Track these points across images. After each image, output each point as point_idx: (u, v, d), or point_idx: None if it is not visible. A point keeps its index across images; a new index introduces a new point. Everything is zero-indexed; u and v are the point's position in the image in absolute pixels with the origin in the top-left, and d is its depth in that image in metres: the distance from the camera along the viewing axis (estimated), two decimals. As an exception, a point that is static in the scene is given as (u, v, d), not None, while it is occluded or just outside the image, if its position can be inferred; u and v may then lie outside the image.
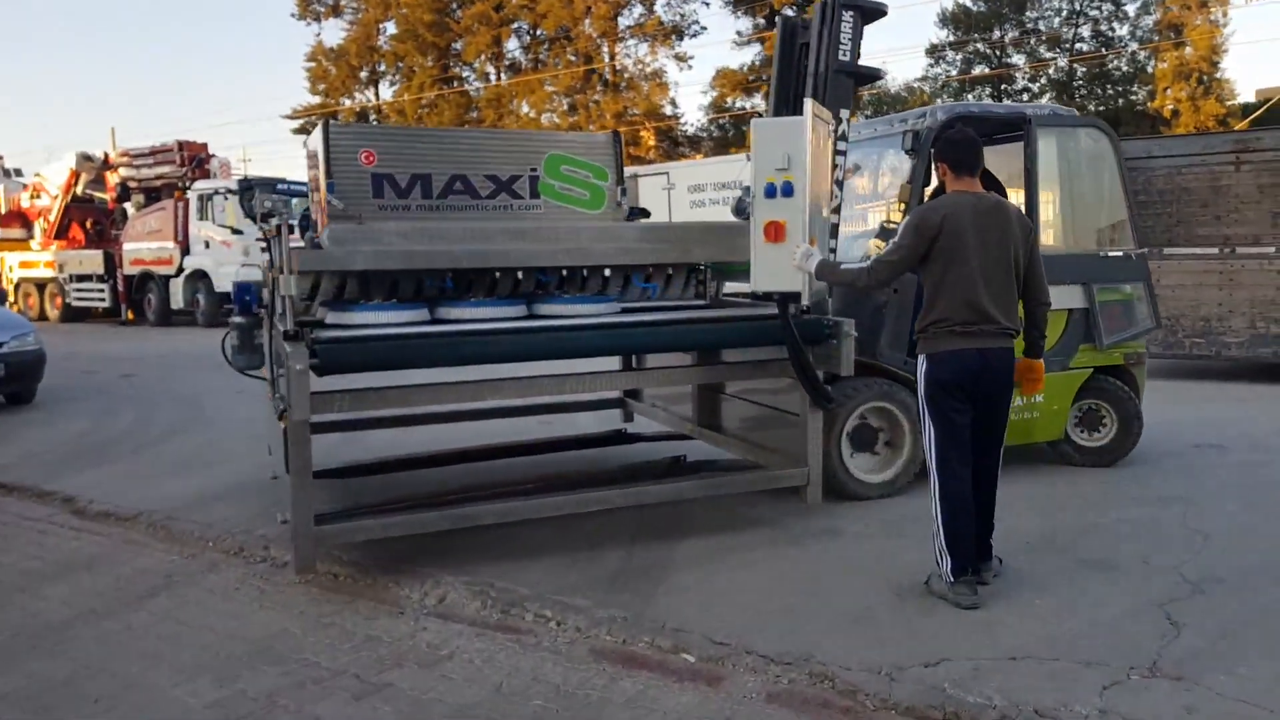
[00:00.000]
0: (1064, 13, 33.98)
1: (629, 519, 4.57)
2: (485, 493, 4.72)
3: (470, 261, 4.20)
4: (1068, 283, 5.44)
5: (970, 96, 33.54)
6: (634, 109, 35.21)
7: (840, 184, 4.86)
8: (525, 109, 36.54)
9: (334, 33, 47.89)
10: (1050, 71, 33.57)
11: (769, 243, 4.07)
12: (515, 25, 37.04)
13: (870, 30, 4.81)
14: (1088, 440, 5.78)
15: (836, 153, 4.76)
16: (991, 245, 3.61)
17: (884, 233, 5.17)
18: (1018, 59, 34.57)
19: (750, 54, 35.76)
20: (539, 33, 36.79)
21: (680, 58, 35.71)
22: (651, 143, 34.88)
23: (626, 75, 35.92)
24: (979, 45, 34.72)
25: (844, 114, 4.85)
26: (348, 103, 40.05)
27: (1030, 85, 33.89)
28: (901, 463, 5.13)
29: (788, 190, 3.99)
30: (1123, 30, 33.26)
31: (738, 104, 35.67)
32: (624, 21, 35.80)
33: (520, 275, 4.46)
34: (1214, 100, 27.90)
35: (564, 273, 4.50)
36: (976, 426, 3.73)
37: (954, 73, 35.12)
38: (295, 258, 4.00)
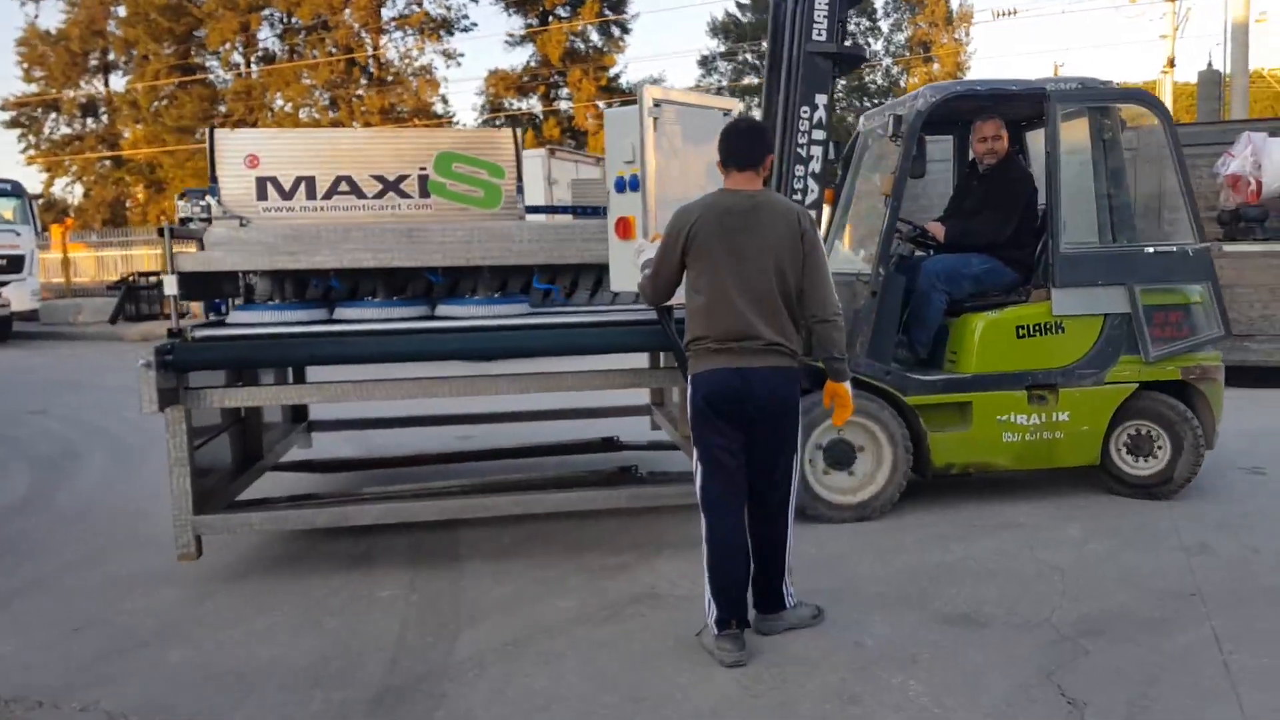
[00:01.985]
0: None
1: (405, 604, 3.99)
2: (400, 494, 4.82)
3: (347, 262, 4.24)
4: (1101, 284, 5.04)
5: (741, 106, 35.44)
6: (402, 106, 34.02)
7: (817, 177, 4.90)
8: (281, 103, 34.37)
9: (53, 15, 42.85)
10: None
11: (621, 240, 4.07)
12: (267, 12, 34.45)
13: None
14: (1134, 467, 5.20)
15: (813, 143, 4.83)
16: (747, 251, 3.26)
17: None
18: None
19: (525, 54, 35.76)
20: (294, 21, 34.48)
21: (449, 54, 35.11)
22: None
23: (393, 70, 34.75)
24: (748, 56, 36.51)
25: (819, 100, 4.78)
26: (71, 93, 36.13)
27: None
28: (878, 486, 4.94)
29: (634, 184, 3.93)
30: (878, 45, 36.09)
31: (513, 105, 35.43)
32: (387, 13, 34.51)
33: (430, 278, 4.52)
34: None
35: (463, 274, 4.58)
36: (752, 458, 3.37)
37: (725, 83, 36.74)
38: (175, 259, 4.10)
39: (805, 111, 5.04)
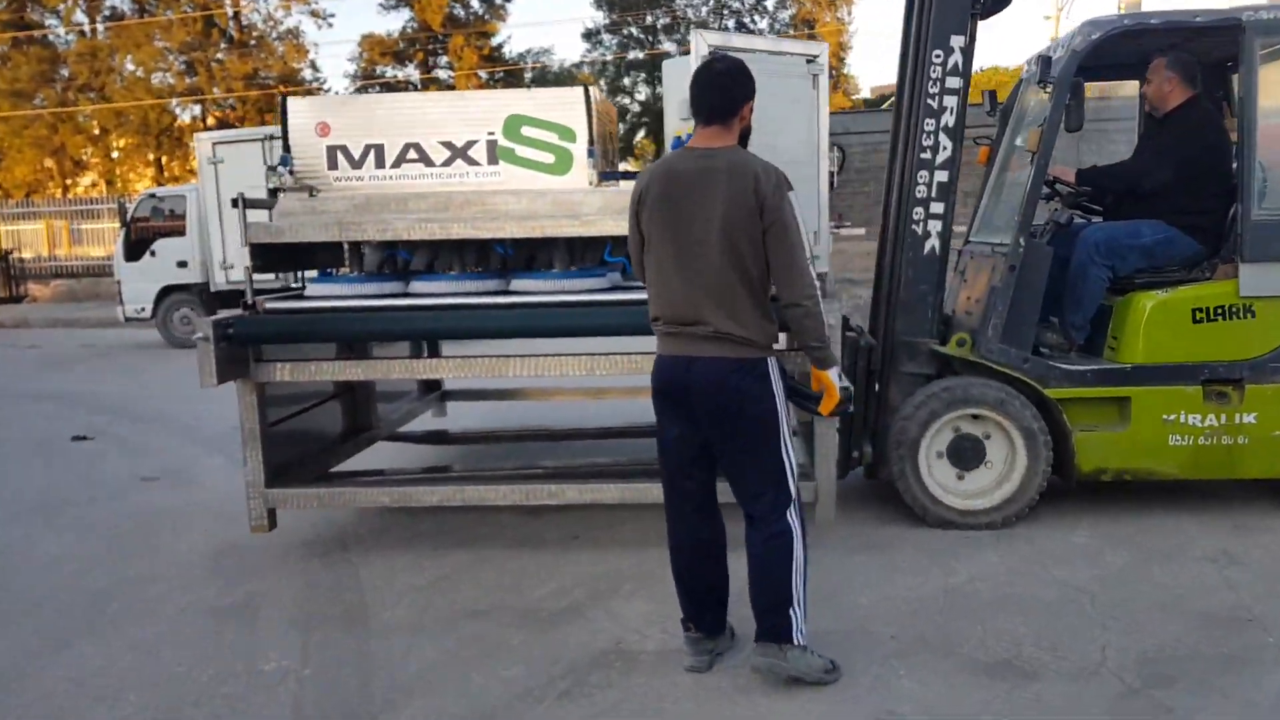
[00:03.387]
0: (710, 2, 34.28)
1: (296, 682, 3.06)
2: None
3: (415, 234, 4.10)
4: None
5: (627, 80, 34.00)
6: (267, 72, 30.95)
7: (950, 131, 4.35)
8: (131, 67, 30.43)
9: None
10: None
11: None
12: (113, -34, 30.00)
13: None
14: None
15: (946, 92, 4.28)
16: (692, 222, 2.78)
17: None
18: (669, 45, 34.27)
19: (401, 19, 32.94)
20: (144, -23, 30.35)
21: (317, 15, 31.83)
22: None
23: (256, 32, 31.39)
24: (633, 30, 34.41)
25: (955, 42, 4.23)
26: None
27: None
28: (1012, 488, 4.33)
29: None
30: (763, 23, 34.06)
31: (389, 72, 33.13)
32: (249, -31, 30.61)
33: (498, 250, 4.34)
34: (841, 94, 28.56)
35: (538, 246, 4.36)
36: (721, 463, 2.98)
37: (610, 57, 34.29)
38: (248, 229, 4.12)
39: (938, 55, 4.41)
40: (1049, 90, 4.40)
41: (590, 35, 34.55)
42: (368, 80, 32.63)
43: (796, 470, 2.97)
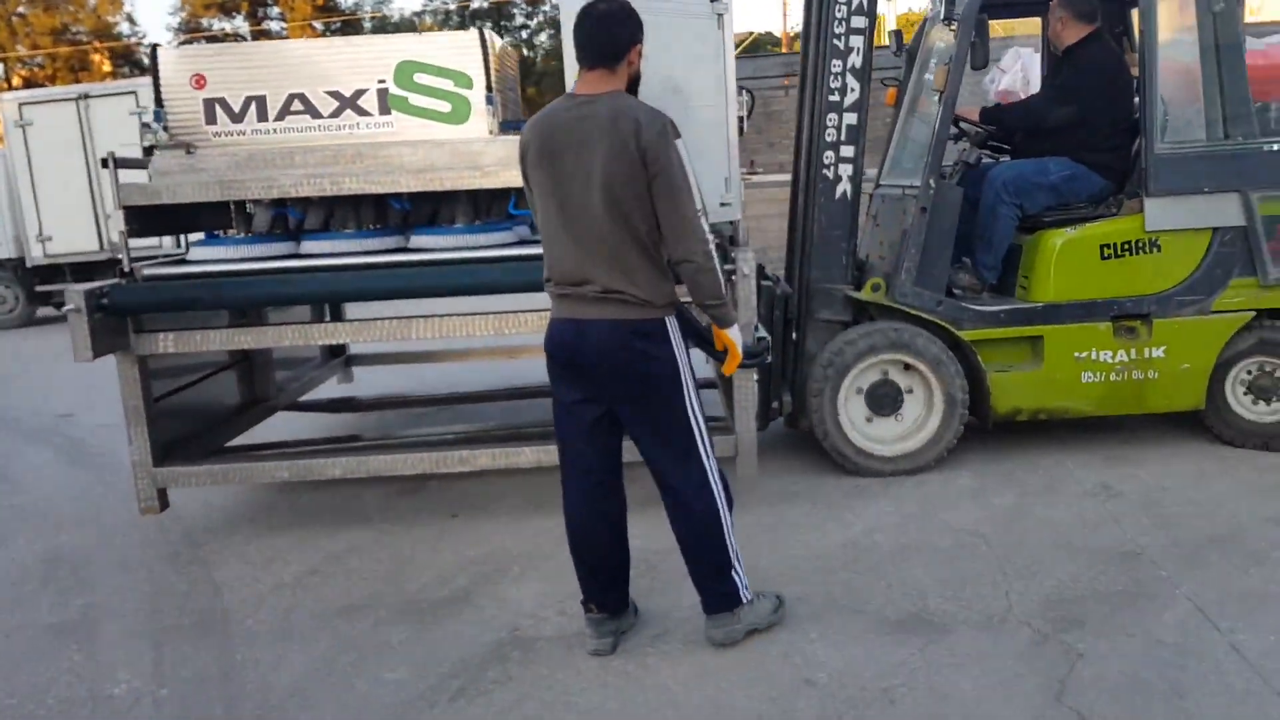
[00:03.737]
0: None
1: (151, 705, 2.79)
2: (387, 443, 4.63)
3: (299, 190, 3.84)
4: (1208, 191, 4.18)
5: (472, 28, 33.53)
6: (77, 27, 29.10)
7: (857, 72, 4.27)
8: None
9: None
10: (546, 8, 32.31)
11: None
12: None
13: None
14: (1253, 413, 4.40)
15: (852, 32, 4.21)
16: (574, 176, 2.58)
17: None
18: None
19: None
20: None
21: None
22: (107, 68, 28.47)
23: None
24: None
25: None
26: None
27: (528, 22, 32.88)
28: (929, 433, 4.31)
29: None
30: None
31: (215, 25, 31.35)
32: (54, -89, 28.43)
33: (394, 205, 4.10)
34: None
35: (440, 200, 4.13)
36: (628, 428, 2.82)
37: (453, 6, 32.99)
38: (121, 191, 3.83)
39: (843, -6, 4.28)
40: (954, 28, 4.34)
41: None
42: (191, 34, 30.56)
43: (707, 430, 2.82)
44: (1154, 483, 4.11)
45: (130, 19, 32.09)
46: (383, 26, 31.19)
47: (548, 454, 3.94)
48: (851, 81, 4.38)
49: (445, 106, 3.97)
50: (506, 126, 4.03)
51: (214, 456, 4.36)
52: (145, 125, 3.97)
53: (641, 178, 2.55)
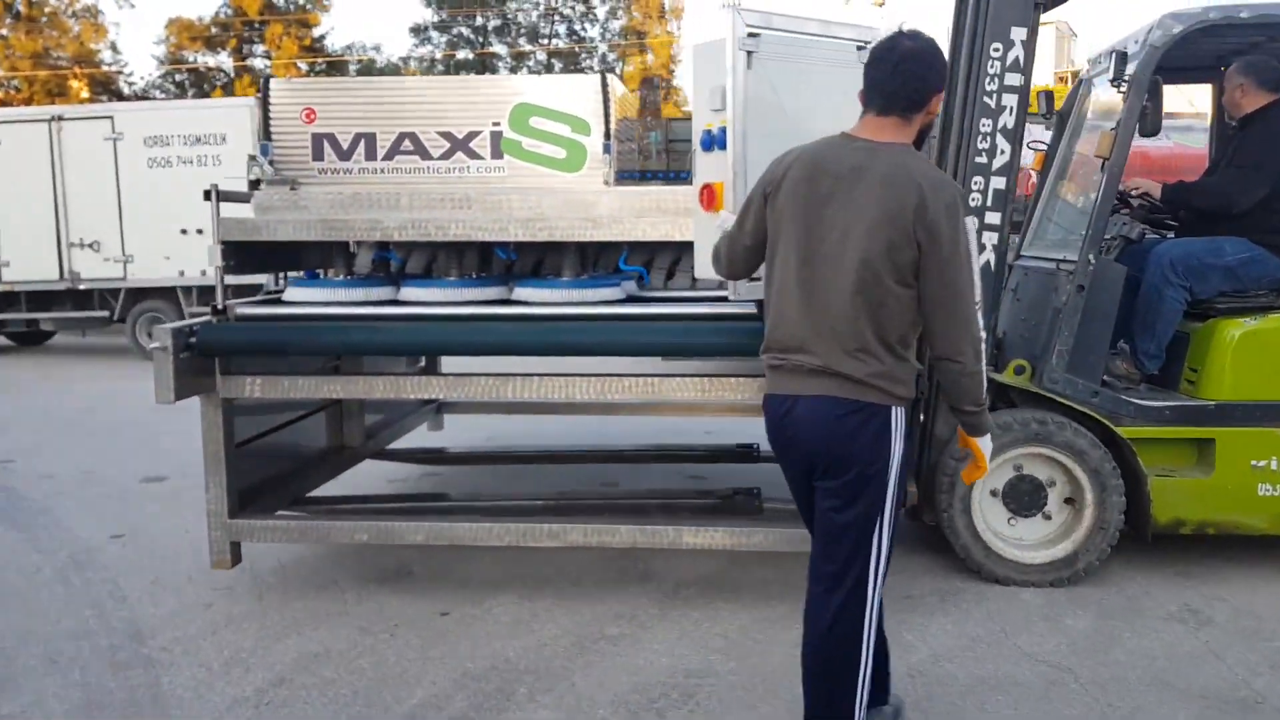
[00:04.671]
0: (541, 7, 33.81)
1: None
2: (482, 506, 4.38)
3: (403, 234, 3.64)
4: None
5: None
6: (60, 52, 28.79)
7: (1008, 134, 3.86)
8: None
9: None
10: (530, 63, 32.93)
11: (706, 212, 3.09)
12: None
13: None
14: None
15: (1005, 90, 3.80)
16: (828, 231, 2.25)
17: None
18: (499, 48, 33.73)
19: (214, 2, 31.23)
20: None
21: None
22: (85, 95, 27.82)
23: (48, 8, 28.88)
24: (463, 29, 33.77)
25: (1016, 35, 3.71)
26: None
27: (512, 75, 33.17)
28: (1078, 541, 3.80)
29: (723, 140, 2.99)
30: (594, 31, 34.10)
31: (200, 59, 31.26)
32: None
33: (499, 254, 3.88)
34: (672, 105, 28.82)
35: (546, 250, 3.88)
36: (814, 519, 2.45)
37: (439, 55, 33.31)
38: (221, 225, 3.69)
39: (996, 49, 3.91)
40: (1123, 90, 3.90)
41: (419, 31, 33.59)
42: (175, 65, 30.89)
43: (889, 549, 2.40)
44: (1245, 607, 3.64)
45: (114, 47, 32.09)
46: (368, 71, 31.50)
47: (644, 534, 3.60)
48: (1002, 143, 3.96)
49: (560, 153, 3.73)
50: (623, 176, 3.77)
51: (295, 506, 4.15)
52: (252, 158, 3.84)
53: (909, 253, 2.20)
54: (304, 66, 30.43)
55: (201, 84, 29.68)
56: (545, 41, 32.66)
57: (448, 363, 5.66)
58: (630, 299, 3.83)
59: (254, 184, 3.96)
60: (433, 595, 3.85)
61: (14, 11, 28.16)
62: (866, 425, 2.27)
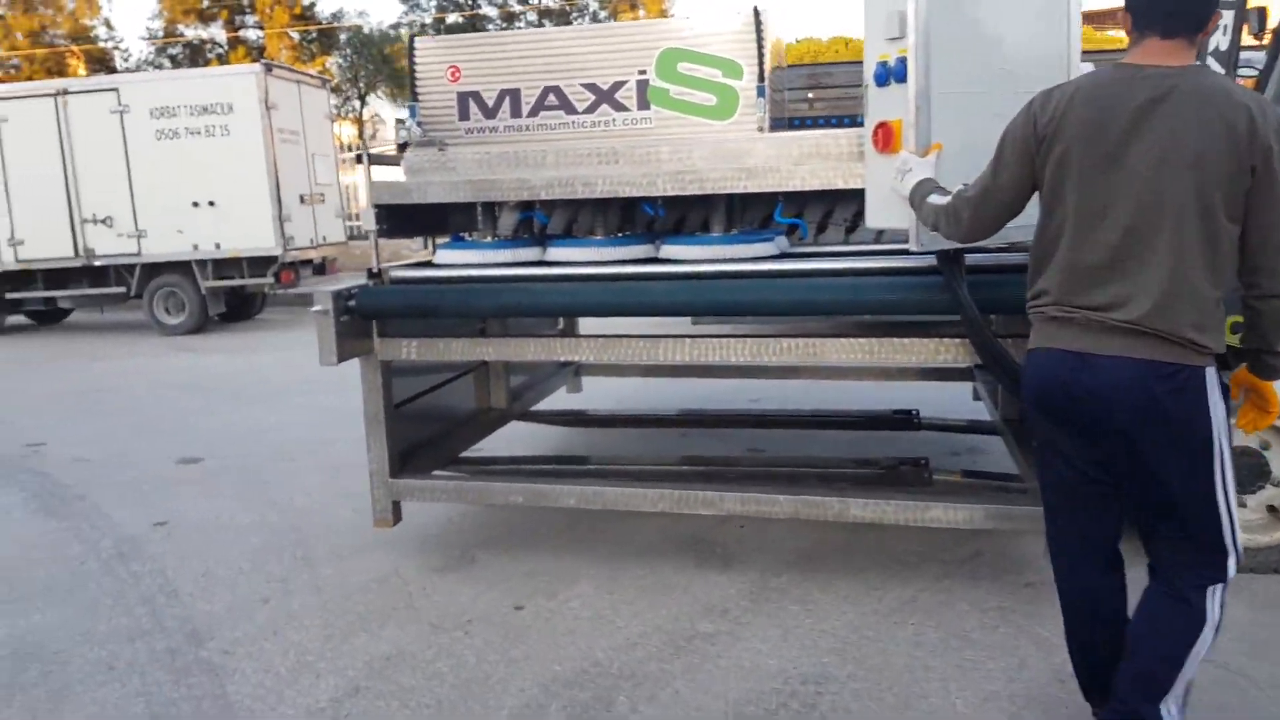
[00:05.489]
0: None
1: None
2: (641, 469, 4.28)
3: (550, 193, 3.52)
4: None
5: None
6: (55, 30, 28.62)
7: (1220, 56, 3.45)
8: None
9: None
10: (520, 25, 30.42)
11: (880, 154, 2.83)
12: None
13: None
14: None
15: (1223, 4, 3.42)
16: (1137, 165, 2.03)
17: None
18: (489, 9, 31.34)
19: None
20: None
21: None
22: (82, 71, 27.55)
23: None
24: None
25: None
26: None
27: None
28: None
29: (901, 72, 2.70)
30: None
31: (194, 32, 30.34)
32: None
33: (646, 210, 3.72)
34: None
35: (693, 204, 3.70)
36: (1125, 491, 2.24)
37: (429, 20, 31.23)
38: (374, 189, 3.66)
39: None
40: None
41: None
42: (169, 39, 30.28)
43: (1237, 518, 2.18)
44: None
45: (108, 23, 31.62)
46: (357, 37, 30.88)
47: (806, 506, 3.41)
48: (1214, 68, 3.51)
49: (710, 99, 3.52)
50: (777, 124, 3.52)
51: (449, 467, 4.16)
52: (400, 121, 3.79)
53: (1244, 182, 1.99)
54: (296, 36, 30.23)
55: (196, 57, 29.76)
56: (535, 1, 31.82)
57: (586, 323, 5.59)
58: (783, 255, 3.61)
59: (402, 146, 3.92)
60: (502, 586, 3.65)
61: (10, -10, 27.60)
62: (1186, 389, 2.05)
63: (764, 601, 3.44)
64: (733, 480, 3.88)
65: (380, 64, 30.33)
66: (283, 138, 11.31)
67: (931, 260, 3.05)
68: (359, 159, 3.65)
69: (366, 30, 31.34)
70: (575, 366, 5.92)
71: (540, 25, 30.55)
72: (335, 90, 14.21)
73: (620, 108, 3.59)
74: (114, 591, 3.78)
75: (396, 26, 32.17)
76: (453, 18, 31.71)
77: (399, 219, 3.84)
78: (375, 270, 3.73)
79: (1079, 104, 2.10)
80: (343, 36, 31.02)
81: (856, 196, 3.63)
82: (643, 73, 3.54)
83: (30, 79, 23.42)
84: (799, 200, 3.58)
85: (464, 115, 3.75)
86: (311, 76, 12.81)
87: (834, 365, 4.53)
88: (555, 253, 3.70)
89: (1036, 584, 3.49)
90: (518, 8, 31.70)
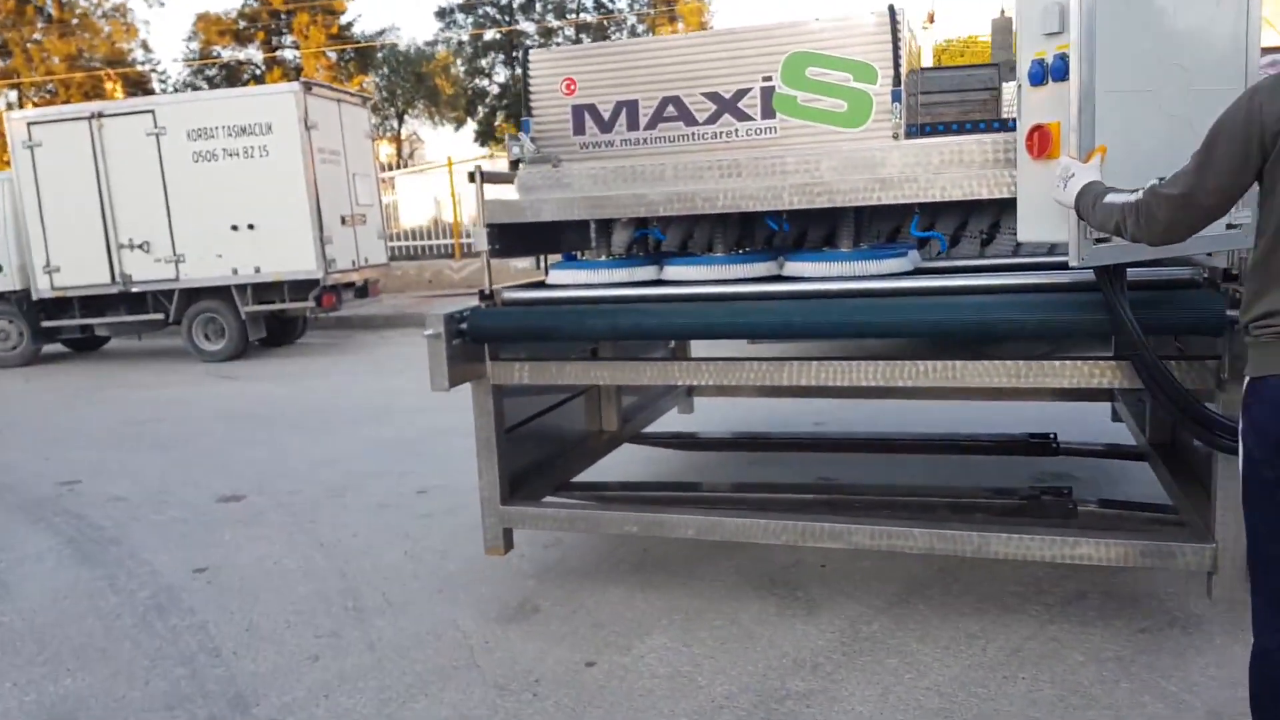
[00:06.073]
0: None
1: None
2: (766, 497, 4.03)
3: (669, 208, 3.35)
4: None
5: (484, 61, 31.22)
6: (92, 53, 28.63)
7: None
8: None
9: None
10: (558, 40, 30.09)
11: (1035, 160, 2.60)
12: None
13: None
14: None
15: None
16: None
17: None
18: (527, 25, 31.06)
19: None
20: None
21: None
22: (119, 95, 27.31)
23: (79, 10, 28.87)
24: (488, 9, 31.44)
25: None
26: None
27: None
28: None
29: (1059, 70, 2.46)
30: (622, 3, 32.04)
31: (229, 53, 30.62)
32: (69, -58, 27.94)
33: (770, 224, 3.55)
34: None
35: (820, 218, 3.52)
36: None
37: (465, 36, 31.07)
38: (486, 208, 3.53)
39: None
40: None
41: (444, 14, 32.35)
42: (205, 61, 30.67)
43: None
44: None
45: (145, 45, 31.78)
46: (393, 55, 30.82)
47: (942, 540, 3.15)
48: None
49: (840, 105, 3.32)
50: (913, 131, 3.29)
51: (560, 492, 4.05)
52: (514, 137, 3.70)
53: None
54: (333, 55, 30.48)
55: (233, 79, 30.19)
56: (573, 15, 31.64)
57: (700, 343, 5.42)
58: (917, 271, 3.37)
59: (514, 164, 3.84)
60: (570, 640, 3.37)
61: (45, 14, 28.08)
62: None
63: (857, 654, 3.16)
64: (859, 510, 3.64)
65: (417, 82, 30.82)
66: (323, 158, 11.03)
67: (1081, 276, 2.77)
68: (470, 177, 3.55)
69: (402, 48, 31.92)
70: (688, 387, 5.75)
71: (577, 39, 30.83)
72: (374, 109, 14.22)
73: (743, 117, 3.42)
74: (151, 651, 3.50)
75: (433, 44, 32.87)
76: (490, 34, 32.20)
77: (510, 238, 3.75)
78: (488, 292, 3.64)
79: None
80: (380, 55, 31.47)
81: (993, 207, 3.39)
82: (768, 79, 3.37)
83: (67, 104, 25.06)
84: (932, 211, 3.33)
85: (579, 130, 3.65)
86: (351, 94, 12.59)
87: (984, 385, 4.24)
88: (673, 271, 3.55)
89: (1150, 630, 3.17)
90: (555, 23, 32.02)
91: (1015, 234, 2.89)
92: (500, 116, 32.05)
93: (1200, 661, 2.97)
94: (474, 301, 3.58)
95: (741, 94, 3.41)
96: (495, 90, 32.58)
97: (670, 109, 3.50)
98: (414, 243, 18.24)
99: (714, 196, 3.28)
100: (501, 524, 3.66)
